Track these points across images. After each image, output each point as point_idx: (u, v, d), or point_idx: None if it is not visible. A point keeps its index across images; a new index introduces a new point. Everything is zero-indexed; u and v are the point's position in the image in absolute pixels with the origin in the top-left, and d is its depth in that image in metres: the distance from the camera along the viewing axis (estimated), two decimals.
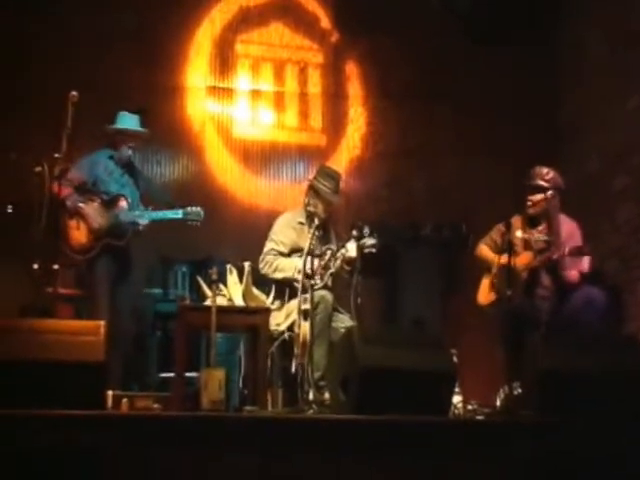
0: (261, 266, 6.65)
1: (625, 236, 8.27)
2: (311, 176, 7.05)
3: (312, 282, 6.09)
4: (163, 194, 7.68)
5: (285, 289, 6.54)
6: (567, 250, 6.49)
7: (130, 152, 7.05)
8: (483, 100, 9.30)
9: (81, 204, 6.74)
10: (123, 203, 6.83)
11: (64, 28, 8.38)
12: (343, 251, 6.47)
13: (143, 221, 6.80)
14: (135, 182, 7.12)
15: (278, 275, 6.55)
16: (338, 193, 6.79)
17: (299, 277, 6.12)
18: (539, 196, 6.77)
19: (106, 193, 6.86)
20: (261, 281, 6.62)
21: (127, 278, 6.93)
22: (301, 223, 6.71)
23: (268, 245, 6.72)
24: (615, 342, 5.53)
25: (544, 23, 9.44)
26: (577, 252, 6.53)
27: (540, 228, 6.79)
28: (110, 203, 6.81)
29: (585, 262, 6.63)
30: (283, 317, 6.44)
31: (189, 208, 6.91)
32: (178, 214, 6.90)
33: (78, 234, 6.72)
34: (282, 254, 6.65)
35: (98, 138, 7.13)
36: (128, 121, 7.06)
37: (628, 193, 8.30)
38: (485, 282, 6.95)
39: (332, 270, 6.51)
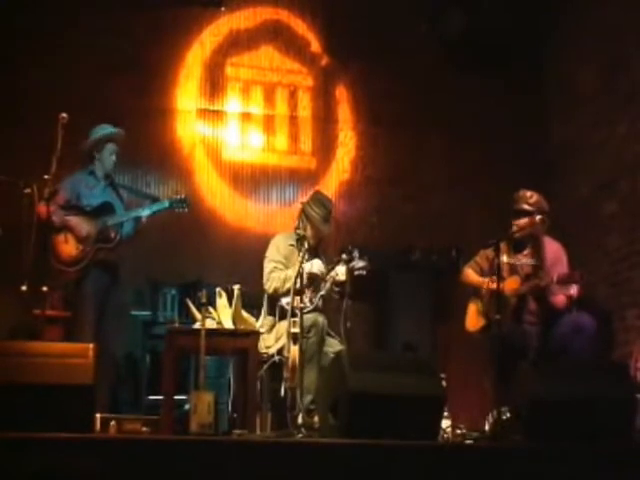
0: (268, 285, 6.61)
1: (615, 262, 8.28)
2: (304, 199, 7.06)
3: (302, 305, 6.08)
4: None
5: (275, 310, 6.53)
6: (555, 278, 6.47)
7: (113, 157, 7.10)
8: (474, 127, 9.35)
9: (67, 217, 6.77)
10: (108, 210, 6.87)
11: (58, 52, 8.40)
12: (333, 274, 6.48)
13: (144, 213, 6.86)
14: (117, 194, 7.15)
15: (288, 285, 6.28)
16: (328, 222, 6.78)
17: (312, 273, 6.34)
18: (524, 220, 6.75)
19: (89, 206, 6.89)
20: (250, 304, 6.61)
21: (114, 298, 6.94)
22: (292, 245, 6.70)
23: (269, 265, 6.67)
24: (604, 368, 5.53)
25: (534, 52, 9.51)
26: (566, 280, 6.51)
27: (525, 252, 6.78)
28: (95, 212, 6.87)
29: (573, 287, 6.63)
30: (273, 340, 6.42)
31: (175, 197, 6.97)
32: (165, 204, 6.98)
33: (67, 247, 6.75)
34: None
35: (80, 159, 7.15)
36: (100, 129, 7.14)
37: (617, 219, 8.32)
38: (472, 308, 6.93)
39: (322, 293, 6.52)
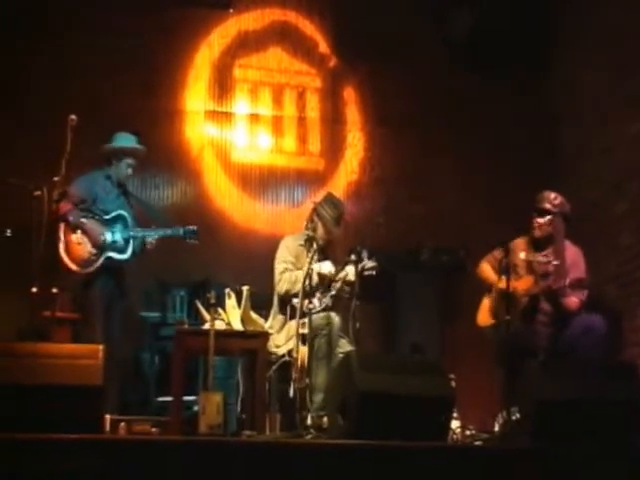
0: (280, 286, 6.60)
1: (625, 262, 8.24)
2: (316, 199, 7.04)
3: (311, 306, 6.09)
4: (161, 214, 7.69)
5: (286, 309, 6.53)
6: (568, 282, 6.49)
7: (129, 170, 7.11)
8: (482, 127, 9.33)
9: (83, 219, 6.78)
10: (124, 222, 6.88)
11: (64, 54, 8.42)
12: (343, 274, 6.48)
13: (151, 238, 6.86)
14: (129, 204, 7.15)
15: (299, 286, 6.30)
16: (339, 224, 6.76)
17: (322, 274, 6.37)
18: (545, 220, 6.78)
19: (105, 212, 6.90)
20: (259, 305, 6.61)
21: (122, 301, 6.95)
22: (301, 246, 6.68)
23: (280, 267, 6.66)
24: (614, 369, 5.51)
25: (542, 52, 9.49)
26: (578, 285, 6.53)
27: (544, 252, 6.78)
28: (111, 221, 6.87)
29: (585, 291, 6.64)
30: (283, 339, 6.42)
31: (188, 227, 6.99)
32: (179, 231, 6.97)
33: (80, 249, 6.76)
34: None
35: (96, 159, 7.15)
36: (125, 140, 7.13)
37: (628, 219, 8.28)
38: (485, 302, 6.93)
39: (333, 292, 6.51)
